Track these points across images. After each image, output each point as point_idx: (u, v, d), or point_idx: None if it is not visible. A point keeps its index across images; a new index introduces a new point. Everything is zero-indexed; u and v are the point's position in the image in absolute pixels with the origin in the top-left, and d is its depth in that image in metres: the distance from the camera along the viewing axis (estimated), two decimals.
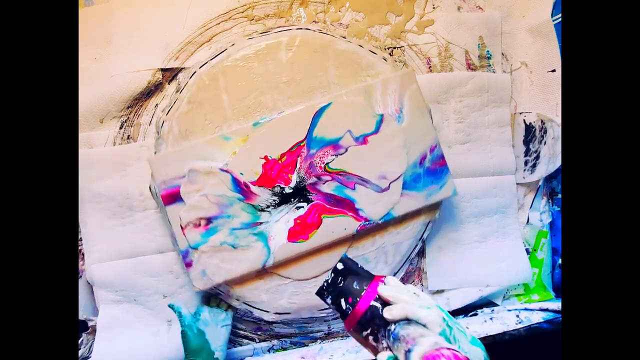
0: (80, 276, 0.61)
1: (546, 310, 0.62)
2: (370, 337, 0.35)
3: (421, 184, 0.57)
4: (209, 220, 0.54)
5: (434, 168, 0.57)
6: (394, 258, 0.60)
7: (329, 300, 0.38)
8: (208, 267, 0.55)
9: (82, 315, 0.60)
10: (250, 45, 0.56)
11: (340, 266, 0.38)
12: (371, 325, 0.35)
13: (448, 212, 0.65)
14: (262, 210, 0.55)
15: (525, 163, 0.67)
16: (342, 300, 0.37)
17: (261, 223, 0.55)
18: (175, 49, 0.59)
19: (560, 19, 0.65)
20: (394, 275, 0.61)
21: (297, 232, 0.56)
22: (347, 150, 0.55)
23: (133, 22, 0.60)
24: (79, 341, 0.60)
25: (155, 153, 0.56)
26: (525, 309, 0.63)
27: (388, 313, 0.34)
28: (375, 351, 0.36)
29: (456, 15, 0.64)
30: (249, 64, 0.56)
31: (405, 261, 0.61)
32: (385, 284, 0.37)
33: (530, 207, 0.69)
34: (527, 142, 0.67)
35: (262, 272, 0.57)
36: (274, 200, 0.55)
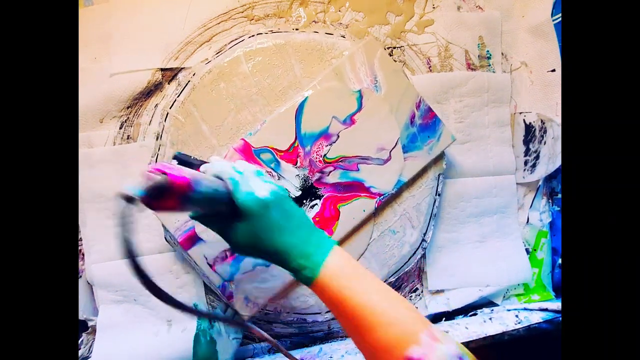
0: (80, 276, 0.61)
1: (546, 310, 0.62)
2: None
3: (419, 141, 0.58)
4: None
5: (425, 123, 0.58)
6: (418, 220, 0.61)
7: None
8: (249, 293, 0.55)
9: (82, 315, 0.60)
10: (210, 69, 0.56)
11: (174, 162, 0.38)
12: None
13: (448, 212, 0.65)
14: None
15: (525, 163, 0.67)
16: None
17: None
18: (175, 49, 0.59)
19: (560, 19, 0.65)
20: (424, 233, 0.62)
21: None
22: (338, 136, 0.56)
23: (133, 22, 0.60)
24: (79, 341, 0.60)
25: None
26: (525, 309, 0.63)
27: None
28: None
29: (456, 15, 0.64)
30: (216, 87, 0.56)
31: (430, 218, 0.62)
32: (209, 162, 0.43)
33: (530, 207, 0.69)
34: (527, 142, 0.67)
35: None
36: None
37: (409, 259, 0.61)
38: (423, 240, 0.62)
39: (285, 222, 0.40)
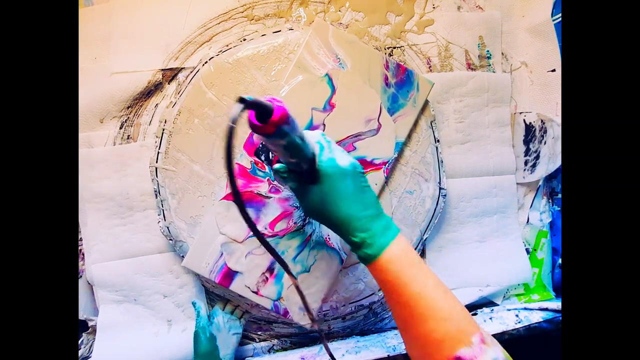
0: (80, 276, 0.61)
1: (546, 309, 0.62)
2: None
3: (401, 99, 0.58)
4: (270, 269, 0.55)
5: (400, 79, 0.58)
6: (428, 172, 0.61)
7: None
8: (301, 302, 0.55)
9: (82, 315, 0.60)
10: (180, 110, 0.56)
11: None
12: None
13: (448, 212, 0.65)
14: (303, 226, 0.56)
15: (525, 163, 0.67)
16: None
17: (310, 235, 0.56)
18: (175, 49, 0.59)
19: (560, 19, 0.65)
20: (439, 182, 0.62)
21: None
22: (324, 124, 0.56)
23: (133, 22, 0.60)
24: (79, 341, 0.60)
25: (182, 257, 0.56)
26: (525, 309, 0.63)
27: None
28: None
29: (456, 15, 0.64)
30: (191, 125, 0.56)
31: (440, 167, 0.62)
32: None
33: (530, 207, 0.69)
34: (527, 142, 0.67)
35: (342, 271, 0.59)
36: None
37: (435, 211, 0.62)
38: (441, 188, 0.61)
39: (356, 195, 0.41)
